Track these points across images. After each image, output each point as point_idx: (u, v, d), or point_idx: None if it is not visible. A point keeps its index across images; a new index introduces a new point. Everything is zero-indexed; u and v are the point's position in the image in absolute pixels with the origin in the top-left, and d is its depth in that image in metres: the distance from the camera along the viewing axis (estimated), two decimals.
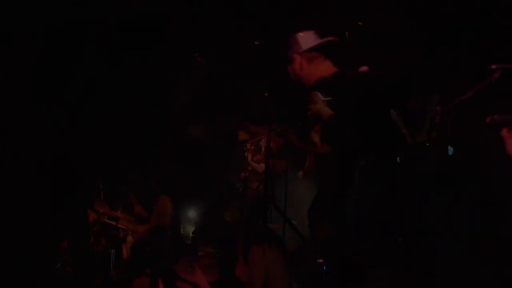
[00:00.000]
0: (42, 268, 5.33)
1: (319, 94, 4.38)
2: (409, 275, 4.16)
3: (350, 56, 6.28)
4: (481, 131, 4.08)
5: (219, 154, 7.38)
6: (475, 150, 4.42)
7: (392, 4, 5.95)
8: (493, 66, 3.61)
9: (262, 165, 6.50)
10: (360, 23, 6.29)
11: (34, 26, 6.37)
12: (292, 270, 4.44)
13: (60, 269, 5.73)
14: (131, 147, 7.02)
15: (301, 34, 4.27)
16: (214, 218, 6.71)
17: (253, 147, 6.87)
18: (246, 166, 6.79)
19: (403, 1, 5.94)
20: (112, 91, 7.02)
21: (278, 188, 5.50)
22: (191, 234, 6.52)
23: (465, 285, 4.08)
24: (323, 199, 4.48)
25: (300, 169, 6.03)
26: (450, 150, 4.65)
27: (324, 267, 4.54)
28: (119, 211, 6.35)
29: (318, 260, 4.62)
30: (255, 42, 6.97)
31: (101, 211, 6.07)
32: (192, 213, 6.92)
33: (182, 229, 6.88)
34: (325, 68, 4.22)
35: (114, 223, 5.98)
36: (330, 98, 4.22)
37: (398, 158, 5.13)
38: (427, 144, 4.90)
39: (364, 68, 4.13)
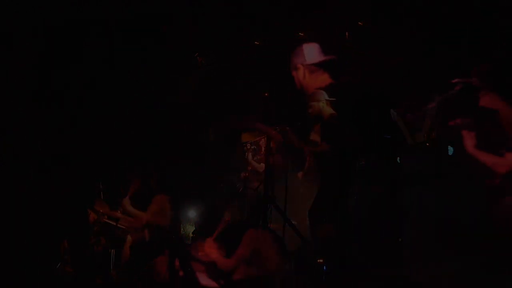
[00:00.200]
0: (42, 268, 5.33)
1: (324, 93, 4.45)
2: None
3: (350, 56, 6.29)
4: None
5: (219, 154, 7.38)
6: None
7: (392, 4, 5.96)
8: (454, 80, 4.12)
9: (262, 165, 6.50)
10: (360, 23, 6.29)
11: (34, 26, 6.37)
12: (281, 255, 4.56)
13: (60, 269, 5.73)
14: (131, 147, 7.03)
15: (307, 46, 4.51)
16: (214, 218, 6.71)
17: (253, 147, 6.88)
18: (246, 166, 6.79)
19: (403, 1, 5.95)
20: (112, 91, 7.03)
21: (278, 188, 5.50)
22: (191, 234, 6.52)
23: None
24: (324, 199, 4.49)
25: (300, 170, 6.03)
26: (450, 150, 4.66)
27: (324, 267, 4.54)
28: (119, 211, 6.35)
29: (318, 260, 4.62)
30: (255, 42, 6.97)
31: (101, 211, 6.07)
32: (192, 213, 6.92)
33: (182, 229, 6.88)
34: (323, 80, 4.50)
35: (114, 223, 5.98)
36: (333, 99, 4.36)
37: (398, 158, 5.13)
38: (427, 144, 4.90)
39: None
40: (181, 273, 4.62)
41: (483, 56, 5.20)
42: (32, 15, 6.28)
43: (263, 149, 6.66)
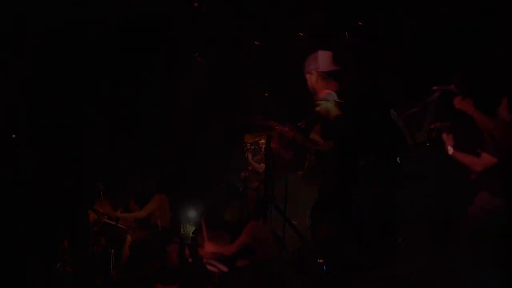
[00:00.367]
0: (42, 268, 5.34)
1: (333, 93, 4.54)
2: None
3: (350, 56, 6.29)
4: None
5: (219, 154, 7.38)
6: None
7: (392, 4, 5.96)
8: (434, 87, 4.47)
9: (262, 165, 6.50)
10: (360, 23, 6.29)
11: (34, 26, 6.38)
12: (279, 244, 4.85)
13: (60, 269, 5.73)
14: (131, 147, 7.03)
15: (322, 54, 4.68)
16: (214, 218, 6.71)
17: (253, 147, 6.87)
18: (246, 166, 6.78)
19: (403, 1, 5.95)
20: (112, 91, 7.03)
21: (278, 188, 5.50)
22: (191, 234, 6.51)
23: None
24: (326, 198, 4.52)
25: (300, 169, 6.04)
26: (450, 150, 4.65)
27: (324, 267, 4.54)
28: (119, 211, 6.35)
29: (318, 260, 4.63)
30: (255, 42, 6.97)
31: (101, 211, 6.07)
32: (192, 213, 6.92)
33: (182, 229, 6.88)
34: (334, 85, 4.67)
35: (114, 223, 5.98)
36: (341, 100, 4.46)
37: (398, 158, 5.13)
38: (427, 144, 4.90)
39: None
40: (190, 260, 5.04)
41: (483, 56, 5.20)
42: (32, 15, 6.28)
43: (263, 149, 6.66)
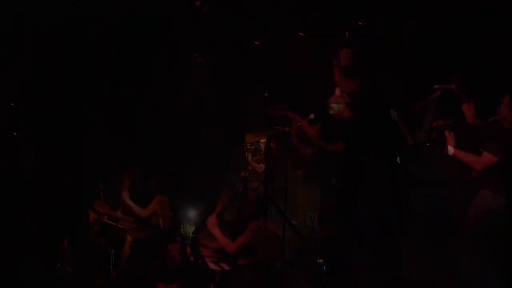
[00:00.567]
0: (42, 268, 5.34)
1: (344, 95, 4.55)
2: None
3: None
4: None
5: (219, 154, 7.38)
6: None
7: (392, 4, 5.96)
8: (436, 86, 4.54)
9: (262, 165, 6.50)
10: (360, 23, 6.29)
11: (34, 26, 6.38)
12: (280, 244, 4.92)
13: (60, 269, 5.73)
14: (131, 147, 7.02)
15: (345, 50, 4.63)
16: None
17: (253, 147, 6.88)
18: (246, 166, 6.78)
19: (403, 1, 5.95)
20: (112, 91, 7.03)
21: (278, 188, 5.50)
22: (191, 234, 6.51)
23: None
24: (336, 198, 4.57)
25: (300, 168, 6.05)
26: (450, 150, 4.66)
27: (324, 267, 4.54)
28: (119, 211, 6.34)
29: (318, 260, 4.63)
30: (255, 42, 6.97)
31: (101, 211, 6.07)
32: (192, 213, 6.91)
33: (182, 229, 6.87)
34: (354, 85, 4.61)
35: (114, 223, 5.97)
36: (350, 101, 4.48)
37: (398, 158, 5.13)
38: (427, 144, 4.90)
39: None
40: (191, 259, 5.05)
41: (483, 56, 5.20)
42: (32, 15, 6.29)
43: (263, 149, 6.66)
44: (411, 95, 5.43)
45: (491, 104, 4.47)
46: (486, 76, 5.01)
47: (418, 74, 5.62)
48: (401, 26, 5.95)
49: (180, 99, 7.38)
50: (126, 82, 7.02)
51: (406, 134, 5.03)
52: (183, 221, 6.85)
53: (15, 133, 6.23)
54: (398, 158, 5.14)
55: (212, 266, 4.95)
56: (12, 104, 6.52)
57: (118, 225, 6.00)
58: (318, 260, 4.65)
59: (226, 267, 4.92)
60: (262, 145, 6.72)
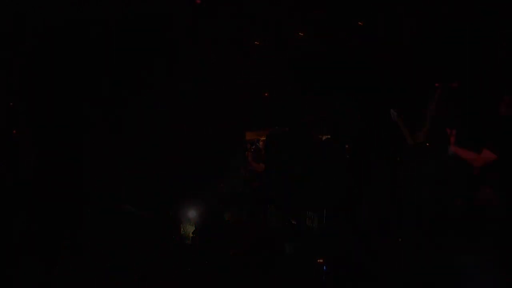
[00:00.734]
0: (42, 268, 5.33)
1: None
2: None
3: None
4: None
5: (219, 154, 7.38)
6: None
7: (392, 4, 5.95)
8: (437, 84, 4.62)
9: (262, 165, 6.51)
10: (360, 23, 6.29)
11: (34, 26, 6.38)
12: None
13: (60, 269, 5.73)
14: (131, 147, 7.02)
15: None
16: (214, 218, 6.71)
17: (253, 147, 6.88)
18: (246, 166, 6.79)
19: (403, 1, 5.94)
20: (112, 91, 7.02)
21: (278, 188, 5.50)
22: (191, 234, 6.51)
23: None
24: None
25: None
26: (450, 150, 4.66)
27: (324, 267, 4.55)
28: None
29: (318, 260, 4.64)
30: (255, 42, 6.97)
31: None
32: (192, 213, 6.91)
33: (182, 229, 6.87)
34: None
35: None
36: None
37: (398, 158, 5.14)
38: (427, 144, 4.91)
39: None
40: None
41: (483, 56, 5.20)
42: (32, 15, 6.28)
43: (263, 149, 6.67)
44: (411, 95, 5.44)
45: (491, 104, 4.47)
46: (486, 76, 5.01)
47: (418, 74, 5.61)
48: (401, 26, 5.95)
49: (180, 99, 7.38)
50: (126, 82, 7.02)
51: (406, 134, 5.03)
52: (183, 221, 6.85)
53: (15, 133, 6.23)
54: (398, 158, 5.15)
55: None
56: (12, 104, 6.52)
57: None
58: (318, 260, 4.65)
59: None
60: (262, 145, 6.73)
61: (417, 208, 4.79)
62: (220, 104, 7.43)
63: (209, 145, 7.35)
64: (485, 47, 5.21)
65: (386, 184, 5.08)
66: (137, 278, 5.61)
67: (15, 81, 6.55)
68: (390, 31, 6.03)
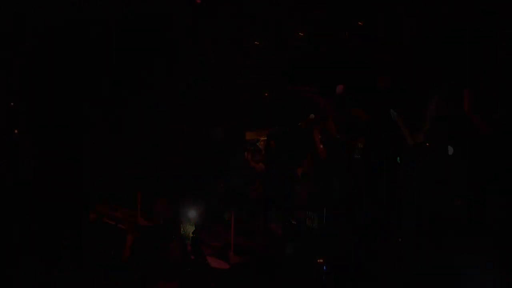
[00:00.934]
0: (42, 268, 5.34)
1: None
2: None
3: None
4: None
5: (219, 154, 7.38)
6: None
7: (392, 4, 5.96)
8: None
9: (262, 165, 6.51)
10: (360, 23, 6.29)
11: (34, 26, 6.38)
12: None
13: (61, 268, 5.73)
14: (131, 147, 7.02)
15: None
16: (214, 218, 6.71)
17: (253, 148, 6.89)
18: (246, 166, 6.79)
19: (403, 1, 5.95)
20: (112, 91, 7.02)
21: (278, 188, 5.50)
22: (191, 234, 6.52)
23: None
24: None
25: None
26: (450, 150, 4.66)
27: (324, 267, 4.55)
28: (119, 212, 6.35)
29: (318, 260, 4.64)
30: (255, 42, 6.97)
31: (101, 211, 6.08)
32: (192, 213, 6.91)
33: (182, 229, 6.87)
34: None
35: (113, 223, 5.98)
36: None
37: (398, 158, 5.14)
38: (427, 144, 4.90)
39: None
40: (192, 257, 5.29)
41: (483, 56, 5.20)
42: (32, 15, 6.28)
43: (262, 149, 6.67)
44: (411, 95, 5.43)
45: (491, 104, 4.47)
46: (486, 76, 5.01)
47: (418, 74, 5.61)
48: (401, 26, 5.95)
49: (180, 99, 7.38)
50: (126, 82, 7.02)
51: (406, 134, 5.03)
52: (183, 221, 6.85)
53: (15, 133, 6.24)
54: (398, 158, 5.15)
55: (214, 264, 5.01)
56: (12, 104, 6.52)
57: (118, 226, 6.01)
58: (318, 260, 4.65)
59: (226, 266, 4.96)
60: (261, 145, 6.73)
61: (417, 208, 4.79)
62: (220, 104, 7.43)
63: (209, 145, 7.34)
64: (485, 47, 5.21)
65: (386, 184, 5.08)
66: (137, 278, 5.62)
67: (15, 81, 6.55)
68: (390, 31, 6.03)
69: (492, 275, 4.02)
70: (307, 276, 4.83)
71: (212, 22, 6.74)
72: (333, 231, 5.02)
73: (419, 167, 4.89)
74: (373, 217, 4.97)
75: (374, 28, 6.19)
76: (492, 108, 4.44)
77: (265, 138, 6.57)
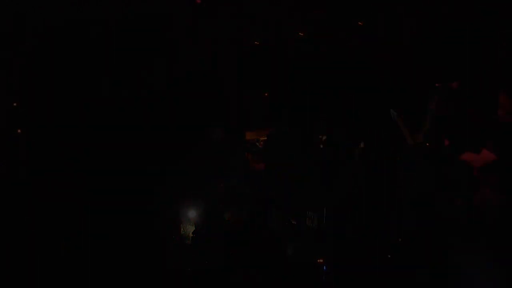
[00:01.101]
0: (42, 268, 5.34)
1: None
2: None
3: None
4: None
5: (219, 154, 7.38)
6: None
7: (392, 4, 5.96)
8: (437, 84, 4.60)
9: (262, 165, 6.51)
10: (360, 23, 6.29)
11: (34, 26, 6.38)
12: None
13: (63, 268, 5.74)
14: (131, 147, 7.02)
15: None
16: (214, 218, 6.70)
17: (253, 148, 6.88)
18: (246, 166, 6.79)
19: (403, 1, 5.95)
20: (112, 91, 7.02)
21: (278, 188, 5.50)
22: (191, 234, 6.52)
23: None
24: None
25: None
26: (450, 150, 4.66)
27: (324, 267, 4.55)
28: None
29: (318, 260, 4.64)
30: (255, 42, 6.97)
31: None
32: (192, 213, 6.91)
33: (182, 229, 6.87)
34: None
35: None
36: None
37: (398, 158, 5.14)
38: (427, 144, 4.90)
39: None
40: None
41: (483, 56, 5.20)
42: (32, 15, 6.29)
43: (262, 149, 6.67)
44: (411, 95, 5.44)
45: (491, 104, 4.47)
46: (486, 76, 5.01)
47: (418, 74, 5.62)
48: (401, 26, 5.95)
49: (179, 99, 7.38)
50: (126, 82, 7.02)
51: (406, 134, 5.03)
52: (183, 221, 6.85)
53: (15, 133, 6.24)
54: (398, 158, 5.15)
55: None
56: (15, 104, 6.53)
57: None
58: (318, 260, 4.65)
59: None
60: (262, 145, 6.73)
61: (417, 208, 4.79)
62: (220, 104, 7.43)
63: (209, 145, 7.34)
64: (485, 47, 5.21)
65: (386, 184, 5.09)
66: (137, 279, 5.61)
67: (15, 81, 6.56)
68: (390, 31, 6.03)
69: (492, 275, 4.02)
70: (307, 276, 4.83)
71: (212, 22, 6.74)
72: (333, 231, 5.02)
73: (419, 167, 4.89)
74: (373, 217, 4.97)
75: (374, 28, 6.19)
76: (492, 108, 4.43)
77: (265, 138, 6.56)
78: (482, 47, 5.23)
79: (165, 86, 7.23)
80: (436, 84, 4.54)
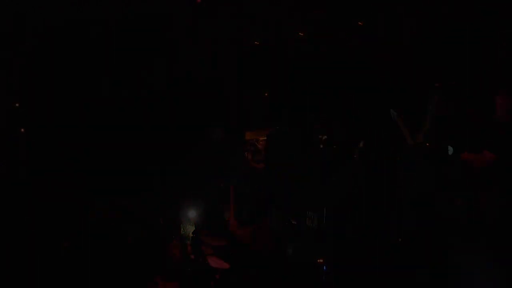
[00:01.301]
0: (42, 267, 5.34)
1: None
2: None
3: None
4: None
5: (219, 154, 7.38)
6: None
7: (392, 4, 5.96)
8: (437, 84, 4.67)
9: (262, 165, 6.50)
10: (360, 23, 6.30)
11: (34, 26, 6.38)
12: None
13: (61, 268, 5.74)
14: (131, 147, 7.02)
15: None
16: (214, 218, 6.70)
17: (253, 148, 6.88)
18: (246, 166, 6.78)
19: (403, 1, 5.95)
20: (112, 91, 7.03)
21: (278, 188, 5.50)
22: (191, 234, 6.52)
23: None
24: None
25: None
26: (450, 150, 4.66)
27: (324, 267, 4.55)
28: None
29: (318, 260, 4.64)
30: (255, 42, 6.97)
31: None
32: (192, 213, 6.91)
33: (182, 229, 6.87)
34: None
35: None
36: None
37: (398, 158, 5.14)
38: (427, 144, 4.91)
39: None
40: (192, 257, 5.32)
41: (483, 56, 5.20)
42: (32, 15, 6.29)
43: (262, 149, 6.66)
44: (411, 95, 5.44)
45: (491, 104, 4.47)
46: (486, 76, 5.01)
47: (418, 74, 5.62)
48: (401, 26, 5.95)
49: (179, 99, 7.39)
50: (126, 82, 7.02)
51: (406, 134, 5.03)
52: (183, 221, 6.85)
53: (15, 133, 6.24)
54: (398, 158, 5.15)
55: (214, 264, 5.02)
56: (17, 104, 6.54)
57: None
58: (318, 260, 4.65)
59: (226, 265, 4.97)
60: (262, 145, 6.72)
61: (417, 208, 4.79)
62: (220, 104, 7.44)
63: (209, 144, 7.35)
64: (485, 47, 5.21)
65: (386, 184, 5.09)
66: (137, 279, 5.61)
67: (15, 81, 6.56)
68: (390, 31, 6.03)
69: (492, 275, 4.02)
70: (307, 276, 4.83)
71: (212, 22, 6.75)
72: (333, 231, 5.02)
73: (419, 167, 4.90)
74: (373, 217, 4.97)
75: (374, 28, 6.19)
76: (492, 108, 4.44)
77: (265, 138, 6.56)
78: (482, 47, 5.22)
79: (165, 86, 7.23)
80: (436, 84, 4.53)
